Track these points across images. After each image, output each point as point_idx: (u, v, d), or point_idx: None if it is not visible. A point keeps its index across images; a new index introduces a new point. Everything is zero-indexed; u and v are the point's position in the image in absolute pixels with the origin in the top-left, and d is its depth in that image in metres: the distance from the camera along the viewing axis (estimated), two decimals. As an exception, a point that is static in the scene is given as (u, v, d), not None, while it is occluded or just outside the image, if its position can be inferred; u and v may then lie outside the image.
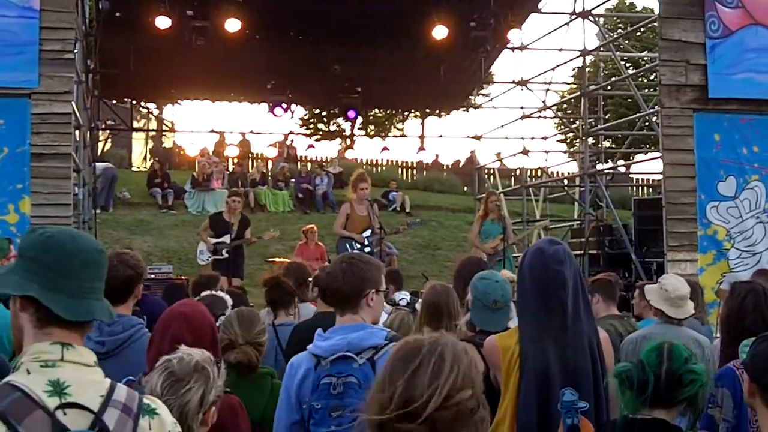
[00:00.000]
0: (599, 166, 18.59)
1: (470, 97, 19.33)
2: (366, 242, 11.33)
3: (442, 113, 28.06)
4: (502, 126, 18.10)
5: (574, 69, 23.67)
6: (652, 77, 19.13)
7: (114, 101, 19.16)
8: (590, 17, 14.96)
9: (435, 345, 2.06)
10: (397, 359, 2.06)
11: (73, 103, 9.33)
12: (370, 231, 11.42)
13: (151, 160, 25.76)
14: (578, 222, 16.69)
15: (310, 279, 6.84)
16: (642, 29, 19.23)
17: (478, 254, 11.89)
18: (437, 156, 30.06)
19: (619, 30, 24.57)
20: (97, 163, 16.26)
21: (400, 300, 7.65)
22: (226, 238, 12.00)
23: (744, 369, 3.28)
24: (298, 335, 5.47)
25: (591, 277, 7.26)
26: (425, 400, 1.96)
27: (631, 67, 21.24)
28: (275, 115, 16.65)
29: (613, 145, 24.56)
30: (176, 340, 3.55)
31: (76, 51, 9.69)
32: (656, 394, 3.15)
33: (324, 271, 5.67)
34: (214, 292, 5.45)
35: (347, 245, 11.32)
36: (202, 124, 59.87)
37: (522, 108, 17.24)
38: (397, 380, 2.00)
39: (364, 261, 3.71)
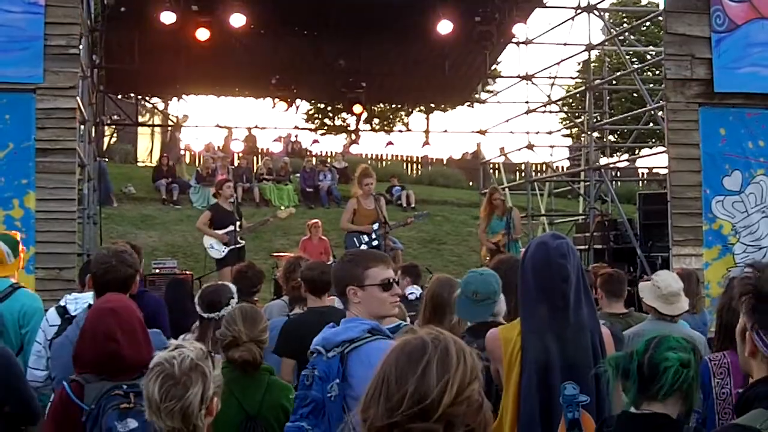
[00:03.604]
0: (603, 161, 18.55)
1: (475, 91, 19.32)
2: (374, 235, 11.29)
3: (447, 108, 28.05)
4: (507, 121, 18.09)
5: (579, 63, 23.62)
6: (657, 72, 19.10)
7: (119, 96, 19.17)
8: (595, 11, 14.93)
9: (438, 340, 2.04)
10: (403, 359, 2.02)
11: (78, 98, 9.32)
12: (377, 224, 11.31)
13: (160, 156, 25.76)
14: (583, 217, 16.67)
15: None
16: (647, 23, 19.21)
17: (485, 249, 11.92)
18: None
19: (624, 24, 24.52)
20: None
21: (410, 294, 7.64)
22: (232, 227, 11.88)
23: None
24: (289, 330, 5.51)
25: (593, 270, 7.21)
26: (438, 396, 1.94)
27: (637, 62, 21.18)
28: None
29: (619, 140, 24.52)
30: (108, 336, 3.62)
31: (81, 46, 9.69)
32: (643, 384, 3.13)
33: (309, 267, 5.75)
34: (221, 282, 5.51)
35: (355, 240, 11.28)
36: (207, 119, 59.85)
37: (527, 102, 17.21)
38: (408, 380, 1.97)
39: (341, 261, 3.84)
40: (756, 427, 2.22)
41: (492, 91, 21.84)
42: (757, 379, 2.37)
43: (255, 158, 25.87)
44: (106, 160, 20.17)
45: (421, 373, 1.96)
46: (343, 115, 30.63)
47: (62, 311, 5.05)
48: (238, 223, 11.95)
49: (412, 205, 22.62)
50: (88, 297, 4.94)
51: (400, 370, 1.99)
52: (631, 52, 18.35)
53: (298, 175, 23.36)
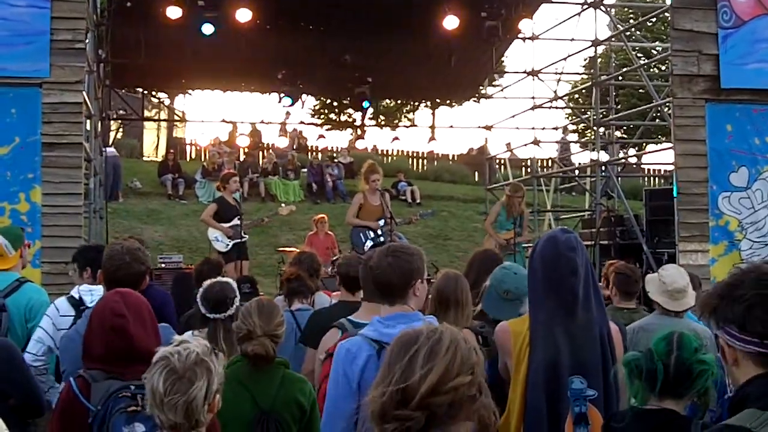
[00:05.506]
0: (605, 157, 18.50)
1: (481, 87, 19.29)
2: (380, 231, 11.26)
3: (453, 103, 28.01)
4: (513, 116, 18.05)
5: (585, 59, 23.66)
6: (663, 67, 19.05)
7: (125, 91, 19.19)
8: (602, 7, 14.88)
9: (433, 332, 2.09)
10: (396, 348, 2.09)
11: (84, 92, 9.34)
12: (383, 221, 11.26)
13: (166, 151, 25.76)
14: (589, 212, 16.64)
15: (322, 268, 6.93)
16: (654, 19, 19.15)
17: (491, 242, 11.88)
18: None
19: (631, 20, 24.46)
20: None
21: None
22: (236, 221, 11.85)
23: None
24: (316, 320, 5.47)
25: (609, 263, 7.13)
26: (417, 384, 1.97)
27: (643, 58, 21.14)
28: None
29: (625, 136, 24.46)
30: (114, 312, 3.64)
31: (87, 41, 9.70)
32: (666, 384, 3.11)
33: (347, 262, 5.71)
34: (221, 279, 5.45)
35: (361, 234, 11.23)
36: (213, 114, 59.73)
37: (533, 98, 17.17)
38: (395, 367, 2.02)
39: (408, 252, 3.77)
40: (746, 426, 2.19)
41: (498, 86, 21.79)
42: (746, 380, 2.34)
43: (260, 153, 25.86)
44: (116, 153, 20.19)
45: (408, 361, 2.02)
46: (349, 110, 30.64)
47: (76, 302, 5.05)
48: (239, 218, 11.91)
49: (418, 201, 22.59)
50: (102, 290, 4.95)
51: (393, 358, 2.07)
52: (637, 48, 18.31)
53: (305, 170, 23.36)
